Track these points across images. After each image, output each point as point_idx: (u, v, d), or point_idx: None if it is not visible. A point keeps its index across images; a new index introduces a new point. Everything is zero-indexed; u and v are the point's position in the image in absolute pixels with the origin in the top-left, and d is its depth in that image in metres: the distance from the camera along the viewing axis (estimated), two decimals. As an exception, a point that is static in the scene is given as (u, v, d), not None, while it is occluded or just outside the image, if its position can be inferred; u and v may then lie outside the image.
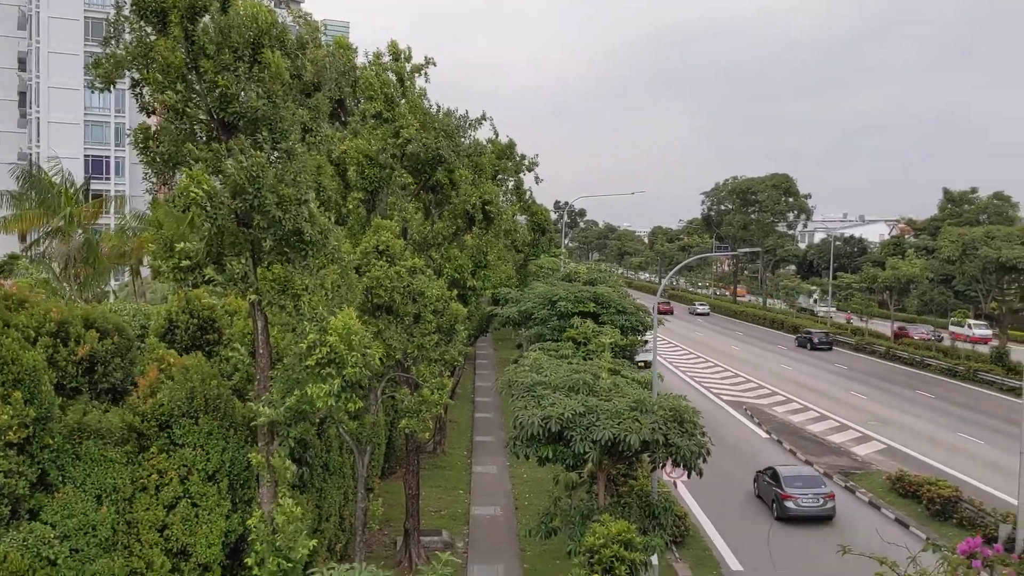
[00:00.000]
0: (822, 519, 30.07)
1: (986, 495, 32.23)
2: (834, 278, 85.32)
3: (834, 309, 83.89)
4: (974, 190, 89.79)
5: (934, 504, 30.74)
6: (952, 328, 73.07)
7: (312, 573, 10.52)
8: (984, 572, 5.41)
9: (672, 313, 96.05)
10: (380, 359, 18.46)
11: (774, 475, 31.51)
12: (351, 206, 24.21)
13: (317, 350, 16.23)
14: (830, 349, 73.46)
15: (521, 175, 44.12)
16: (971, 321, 70.97)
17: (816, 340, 74.03)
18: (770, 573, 25.71)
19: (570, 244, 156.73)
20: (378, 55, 28.11)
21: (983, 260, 58.26)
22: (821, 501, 30.07)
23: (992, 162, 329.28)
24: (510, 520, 30.26)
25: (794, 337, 79.13)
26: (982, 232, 61.85)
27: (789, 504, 30.03)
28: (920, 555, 6.20)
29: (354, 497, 22.68)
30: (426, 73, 28.35)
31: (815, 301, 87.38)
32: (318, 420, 19.31)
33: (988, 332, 65.89)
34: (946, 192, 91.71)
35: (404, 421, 21.64)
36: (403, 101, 27.11)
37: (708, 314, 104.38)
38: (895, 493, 33.05)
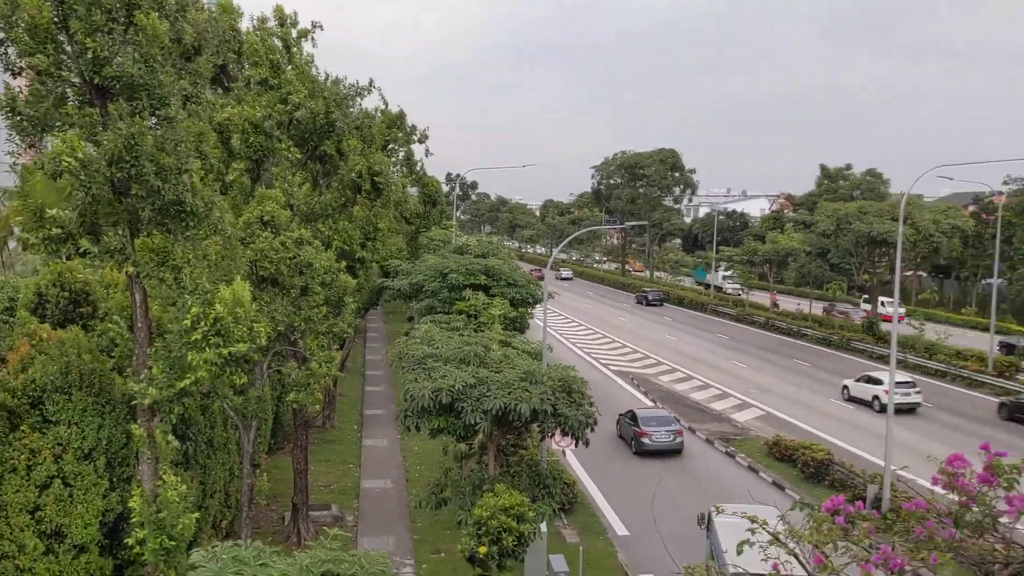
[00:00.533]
0: (673, 452, 35.02)
1: (857, 458, 33.96)
2: (717, 251, 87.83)
3: (741, 286, 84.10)
4: (849, 167, 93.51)
5: (808, 467, 32.28)
6: (864, 306, 72.33)
7: (196, 551, 10.29)
8: (849, 527, 5.73)
9: (543, 278, 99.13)
10: (267, 334, 18.09)
11: (633, 416, 36.30)
12: (234, 176, 23.52)
13: (202, 323, 15.78)
14: (661, 305, 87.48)
15: (412, 146, 43.71)
16: (884, 299, 70.32)
17: (651, 297, 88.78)
18: (653, 537, 26.49)
19: (462, 216, 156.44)
20: (263, 20, 27.27)
21: (856, 234, 60.97)
22: (671, 436, 35.11)
23: (869, 140, 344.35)
24: (401, 493, 30.26)
25: (634, 296, 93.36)
26: (855, 207, 64.65)
27: (645, 440, 34.84)
28: (789, 514, 6.52)
29: (240, 473, 22.26)
30: (313, 39, 27.68)
31: (724, 278, 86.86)
32: (202, 395, 18.82)
33: (902, 310, 67.05)
34: (823, 168, 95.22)
35: (292, 395, 21.32)
36: (289, 68, 26.42)
37: (571, 279, 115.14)
38: (772, 457, 34.53)
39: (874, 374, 44.52)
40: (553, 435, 23.61)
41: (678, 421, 37.71)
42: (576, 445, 23.63)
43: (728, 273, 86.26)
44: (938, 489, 5.80)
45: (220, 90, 27.14)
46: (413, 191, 49.92)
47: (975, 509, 5.51)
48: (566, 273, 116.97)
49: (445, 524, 25.80)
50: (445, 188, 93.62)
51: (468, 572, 19.73)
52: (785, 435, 35.91)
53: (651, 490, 30.81)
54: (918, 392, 42.88)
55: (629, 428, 36.11)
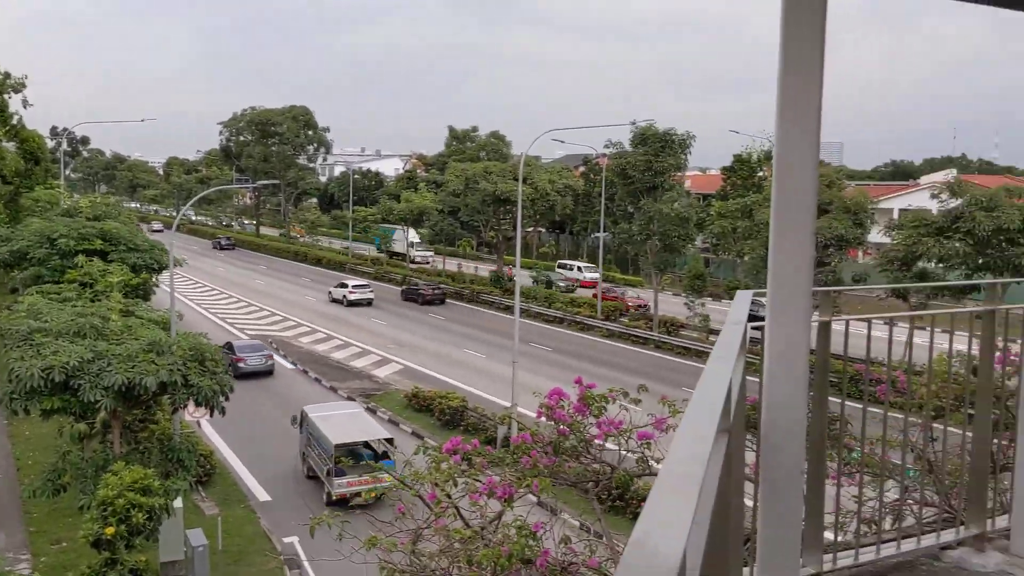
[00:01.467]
0: (266, 373, 41.02)
1: (488, 402, 36.19)
2: (353, 211, 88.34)
3: (431, 254, 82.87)
4: (475, 129, 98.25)
5: (445, 415, 33.95)
6: (565, 272, 71.51)
7: None
8: (467, 464, 6.16)
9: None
10: None
11: (230, 347, 40.65)
12: None
13: None
14: (233, 249, 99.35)
15: (7, 96, 38.74)
16: (580, 264, 70.83)
17: (223, 243, 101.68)
18: (296, 500, 26.47)
19: (72, 175, 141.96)
20: None
21: (482, 193, 64.54)
22: (264, 360, 41.34)
23: (495, 102, 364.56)
24: (11, 484, 27.26)
25: (211, 242, 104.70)
26: (481, 168, 68.31)
27: (241, 365, 39.38)
28: (415, 458, 6.83)
29: None
30: None
31: (412, 245, 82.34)
32: None
33: (597, 275, 66.61)
34: (451, 130, 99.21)
35: None
36: None
37: (162, 231, 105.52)
38: (411, 409, 35.83)
39: (345, 281, 65.24)
40: (186, 406, 22.59)
41: (272, 347, 45.37)
42: (212, 415, 22.82)
43: (417, 240, 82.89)
44: (543, 420, 6.41)
45: None
46: (10, 146, 44.39)
47: (571, 437, 6.18)
48: (157, 226, 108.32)
49: (66, 512, 23.66)
50: (51, 144, 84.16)
51: (95, 558, 18.33)
52: (423, 387, 37.38)
53: (251, 410, 32.42)
54: (371, 291, 62.79)
55: (226, 357, 38.78)
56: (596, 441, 6.31)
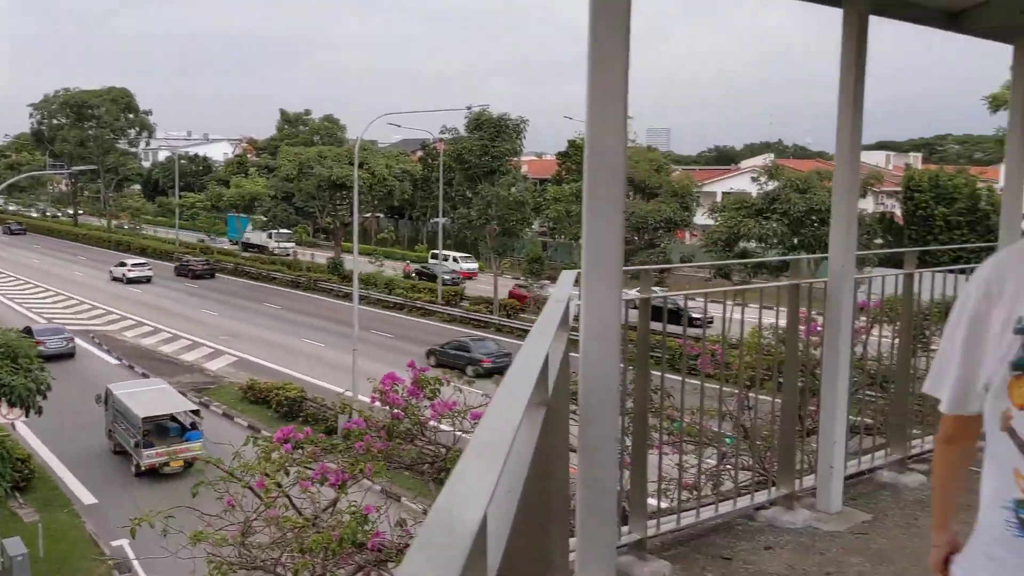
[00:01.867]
0: (67, 356, 40.87)
1: (328, 392, 35.56)
2: (180, 197, 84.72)
3: (292, 245, 77.02)
4: (308, 112, 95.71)
5: (283, 406, 33.21)
6: (447, 264, 65.45)
7: None
8: (299, 452, 6.10)
9: None
10: None
11: (28, 331, 38.24)
12: None
13: None
14: (24, 234, 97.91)
15: None
16: (456, 255, 66.72)
17: (13, 229, 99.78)
18: (125, 502, 25.24)
19: None
20: None
21: (318, 178, 63.31)
22: (64, 343, 41.35)
23: (322, 84, 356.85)
24: None
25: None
26: (316, 152, 66.96)
27: (41, 348, 36.38)
28: (244, 449, 6.69)
29: None
30: None
31: (270, 236, 77.07)
32: None
33: (475, 266, 64.87)
34: (283, 113, 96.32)
35: None
36: None
37: None
38: (247, 401, 34.81)
39: (124, 260, 68.50)
40: (-2, 407, 21.17)
41: (95, 342, 45.43)
42: (27, 415, 21.50)
43: (276, 231, 77.23)
44: (378, 405, 6.42)
45: None
46: None
47: (406, 420, 6.23)
48: None
49: None
50: None
51: None
52: (259, 378, 36.38)
53: (69, 406, 30.45)
54: (150, 269, 66.49)
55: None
56: (431, 423, 6.37)
